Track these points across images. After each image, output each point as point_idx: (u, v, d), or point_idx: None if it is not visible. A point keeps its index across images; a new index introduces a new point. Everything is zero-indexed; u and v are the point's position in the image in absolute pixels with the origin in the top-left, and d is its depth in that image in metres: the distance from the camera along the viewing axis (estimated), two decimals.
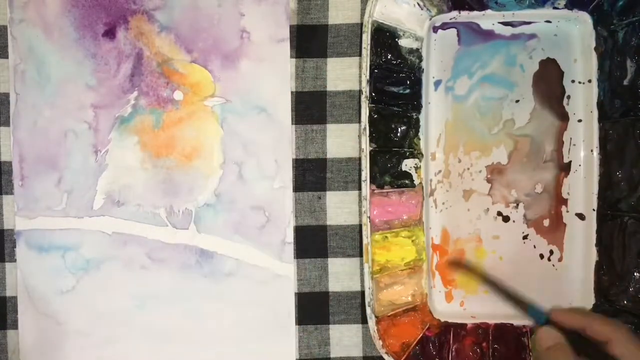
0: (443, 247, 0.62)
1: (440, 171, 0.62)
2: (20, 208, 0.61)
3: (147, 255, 0.62)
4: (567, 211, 0.62)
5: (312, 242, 0.62)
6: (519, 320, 0.61)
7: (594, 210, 0.61)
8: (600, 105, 0.60)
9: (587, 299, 0.61)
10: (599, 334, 0.50)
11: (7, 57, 0.61)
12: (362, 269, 0.61)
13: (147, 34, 0.61)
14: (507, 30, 0.61)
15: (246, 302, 0.62)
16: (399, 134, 0.60)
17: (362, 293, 0.61)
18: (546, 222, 0.62)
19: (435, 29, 0.61)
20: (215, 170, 0.62)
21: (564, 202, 0.62)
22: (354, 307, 0.62)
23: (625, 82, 0.58)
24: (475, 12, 0.60)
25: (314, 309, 0.62)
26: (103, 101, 0.62)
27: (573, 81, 0.61)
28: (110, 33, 0.61)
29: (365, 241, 0.59)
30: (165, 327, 0.62)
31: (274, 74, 0.61)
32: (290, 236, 0.62)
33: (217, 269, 0.62)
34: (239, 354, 0.62)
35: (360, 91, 0.60)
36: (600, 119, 0.60)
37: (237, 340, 0.62)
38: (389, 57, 0.60)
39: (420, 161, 0.61)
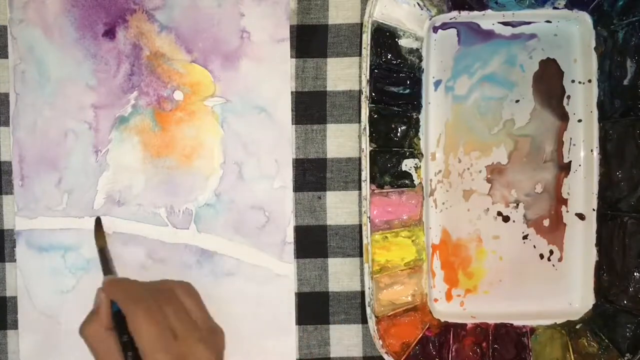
0: (443, 247, 0.63)
1: (440, 171, 0.62)
2: (20, 208, 0.61)
3: (147, 255, 0.62)
4: (567, 211, 0.62)
5: (312, 242, 0.62)
6: (519, 320, 0.61)
7: (594, 210, 0.61)
8: (600, 105, 0.60)
9: (587, 299, 0.61)
10: (121, 306, 0.52)
11: (7, 57, 0.61)
12: (362, 269, 0.61)
13: (147, 34, 0.61)
14: (507, 30, 0.61)
15: (246, 302, 0.62)
16: (399, 134, 0.60)
17: (362, 293, 0.61)
18: (546, 222, 0.62)
19: (435, 29, 0.61)
20: (216, 170, 0.62)
21: (564, 202, 0.62)
22: (354, 307, 0.62)
23: (625, 82, 0.58)
24: (475, 12, 0.60)
25: (313, 309, 0.62)
26: (103, 101, 0.62)
27: (573, 81, 0.61)
28: (110, 33, 0.61)
29: (365, 241, 0.59)
30: None
31: (274, 74, 0.61)
32: (290, 236, 0.62)
33: (217, 269, 0.62)
34: (239, 353, 0.62)
35: (360, 91, 0.60)
36: (600, 119, 0.60)
37: (237, 339, 0.62)
38: (389, 57, 0.60)
39: (420, 161, 0.61)
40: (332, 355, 0.63)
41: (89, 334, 0.52)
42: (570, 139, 0.62)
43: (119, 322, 0.52)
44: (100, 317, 0.53)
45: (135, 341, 0.50)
